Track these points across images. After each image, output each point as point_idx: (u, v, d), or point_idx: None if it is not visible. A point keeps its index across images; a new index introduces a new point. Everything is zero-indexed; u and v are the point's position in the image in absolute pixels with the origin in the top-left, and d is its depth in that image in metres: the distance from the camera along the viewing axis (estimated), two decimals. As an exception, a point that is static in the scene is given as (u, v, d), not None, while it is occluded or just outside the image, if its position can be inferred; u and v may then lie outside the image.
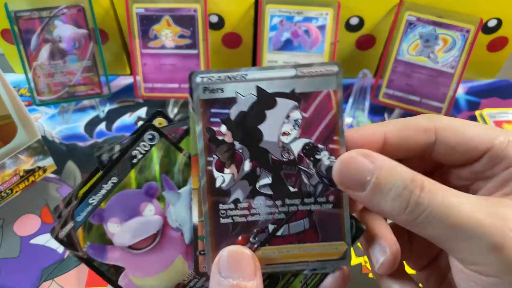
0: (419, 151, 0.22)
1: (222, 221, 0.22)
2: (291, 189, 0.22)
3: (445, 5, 0.58)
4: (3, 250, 0.48)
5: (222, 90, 0.22)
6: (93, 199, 0.23)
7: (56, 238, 0.23)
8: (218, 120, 0.22)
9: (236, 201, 0.22)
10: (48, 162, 0.53)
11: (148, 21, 0.59)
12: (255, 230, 0.22)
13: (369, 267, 0.42)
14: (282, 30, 0.59)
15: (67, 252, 0.48)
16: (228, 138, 0.22)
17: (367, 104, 0.60)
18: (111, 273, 0.23)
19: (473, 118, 0.63)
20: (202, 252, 0.22)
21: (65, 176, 0.55)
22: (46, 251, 0.48)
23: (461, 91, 0.68)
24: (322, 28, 0.59)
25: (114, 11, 0.61)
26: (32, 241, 0.49)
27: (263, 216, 0.22)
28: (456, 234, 0.18)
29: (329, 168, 0.22)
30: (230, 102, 0.22)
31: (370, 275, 0.42)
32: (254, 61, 0.68)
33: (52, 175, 0.55)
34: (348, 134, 0.22)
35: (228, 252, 0.21)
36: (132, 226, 0.23)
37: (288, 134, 0.22)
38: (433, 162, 0.24)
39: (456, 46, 0.58)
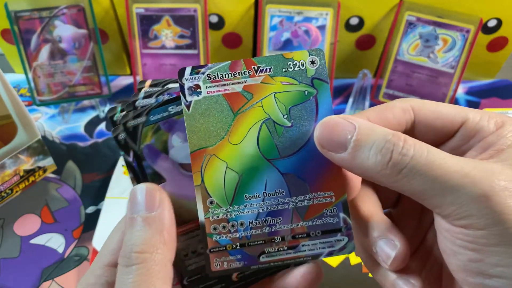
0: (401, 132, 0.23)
1: None
2: None
3: (445, 5, 0.58)
4: (3, 250, 0.48)
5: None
6: (173, 108, 0.24)
7: (124, 125, 0.24)
8: None
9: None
10: (48, 162, 0.53)
11: (148, 21, 0.59)
12: None
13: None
14: (282, 30, 0.59)
15: (67, 252, 0.48)
16: None
17: (367, 104, 0.60)
18: (153, 179, 0.24)
19: (473, 118, 0.63)
20: (213, 250, 0.23)
21: (65, 176, 0.55)
22: (46, 251, 0.48)
23: (461, 91, 0.68)
24: (322, 28, 0.59)
25: (114, 11, 0.61)
26: (32, 241, 0.49)
27: None
28: (441, 186, 0.18)
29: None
30: None
31: (370, 275, 0.42)
32: (254, 61, 0.68)
33: (52, 175, 0.55)
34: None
35: (130, 193, 0.22)
36: None
37: None
38: None
39: (456, 46, 0.58)
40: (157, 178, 0.24)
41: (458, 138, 0.22)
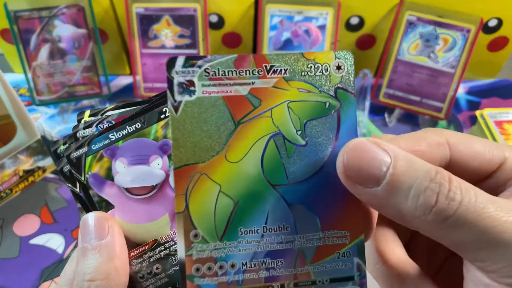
0: None
1: None
2: None
3: (446, 5, 0.58)
4: (3, 250, 0.48)
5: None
6: (113, 135, 0.24)
7: (68, 157, 0.24)
8: None
9: None
10: (48, 162, 0.53)
11: (147, 20, 0.58)
12: None
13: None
14: (282, 30, 0.59)
15: (67, 252, 0.48)
16: None
17: (367, 104, 0.60)
18: (101, 207, 0.24)
19: (474, 118, 0.63)
20: None
21: (65, 176, 0.55)
22: (45, 251, 0.48)
23: (461, 91, 0.67)
24: (322, 27, 0.59)
25: (113, 11, 0.61)
26: (32, 241, 0.49)
27: None
28: (491, 240, 0.15)
29: None
30: None
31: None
32: (254, 61, 0.67)
33: (52, 175, 0.55)
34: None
35: (80, 222, 0.23)
36: (136, 171, 0.24)
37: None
38: None
39: (457, 46, 0.58)
40: (106, 205, 0.24)
41: (494, 180, 0.19)
